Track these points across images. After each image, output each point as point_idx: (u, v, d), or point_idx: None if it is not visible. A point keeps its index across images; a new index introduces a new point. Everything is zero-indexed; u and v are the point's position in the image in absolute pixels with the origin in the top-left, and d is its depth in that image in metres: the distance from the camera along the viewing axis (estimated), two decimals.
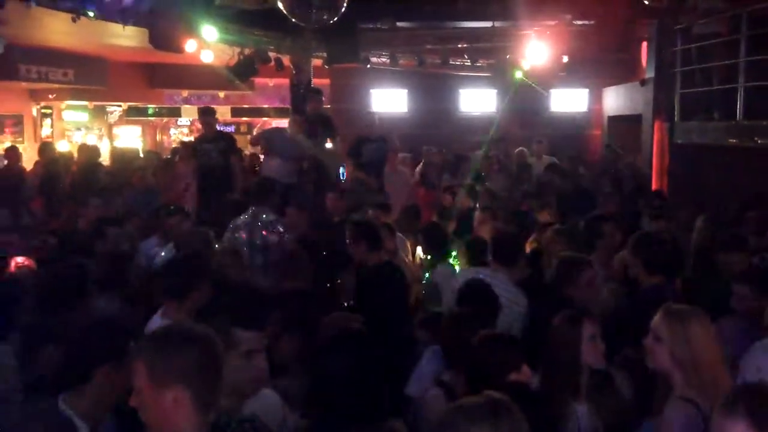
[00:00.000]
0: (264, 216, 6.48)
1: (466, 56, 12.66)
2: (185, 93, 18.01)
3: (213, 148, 9.12)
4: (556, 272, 4.65)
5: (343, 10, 6.05)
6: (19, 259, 5.42)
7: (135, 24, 8.50)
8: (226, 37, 9.57)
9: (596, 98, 14.56)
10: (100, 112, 16.72)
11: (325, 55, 10.73)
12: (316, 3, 5.83)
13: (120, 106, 17.09)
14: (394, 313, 4.92)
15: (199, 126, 18.68)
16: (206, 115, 9.56)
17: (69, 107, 15.53)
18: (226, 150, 9.15)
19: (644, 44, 12.05)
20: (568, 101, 14.71)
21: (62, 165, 10.84)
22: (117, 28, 8.72)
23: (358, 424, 2.55)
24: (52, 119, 15.06)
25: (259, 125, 18.22)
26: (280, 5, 6.05)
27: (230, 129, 18.61)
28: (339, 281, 4.82)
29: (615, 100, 13.88)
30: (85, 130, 16.44)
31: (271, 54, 10.52)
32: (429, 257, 6.33)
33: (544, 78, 12.88)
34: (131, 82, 16.01)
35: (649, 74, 11.42)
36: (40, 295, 4.16)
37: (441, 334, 3.90)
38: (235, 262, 5.17)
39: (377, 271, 5.27)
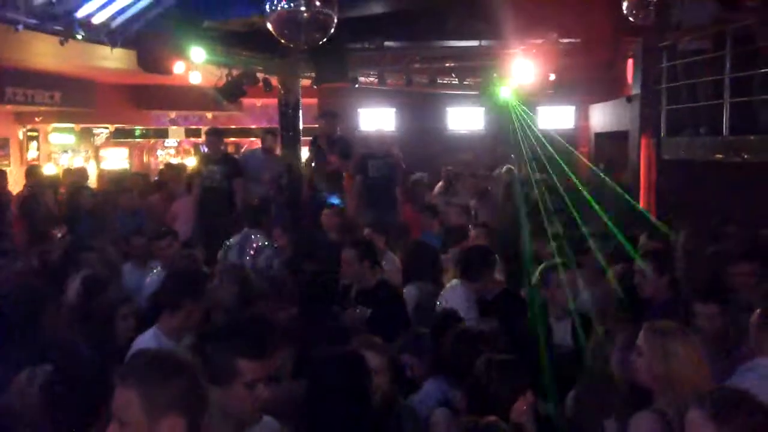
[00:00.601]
0: (254, 237, 6.49)
1: (453, 75, 12.72)
2: (173, 114, 17.98)
3: (218, 170, 9.12)
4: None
5: (332, 30, 6.05)
6: None
7: (123, 46, 8.49)
8: (214, 58, 9.56)
9: (583, 115, 14.67)
10: (86, 135, 16.64)
11: (313, 75, 10.74)
12: (305, 24, 5.84)
13: (107, 128, 17.02)
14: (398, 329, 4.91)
15: (186, 147, 18.89)
16: (213, 135, 9.61)
17: (55, 129, 15.45)
18: (230, 173, 9.15)
19: (630, 61, 12.15)
20: (555, 118, 14.80)
21: (48, 188, 10.80)
22: (105, 50, 8.70)
23: None
24: (38, 142, 14.97)
25: (246, 146, 18.19)
26: (269, 26, 6.05)
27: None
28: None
29: (602, 117, 13.97)
30: (72, 153, 16.33)
31: (259, 75, 10.52)
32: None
33: (531, 96, 12.95)
34: (118, 104, 15.97)
35: (635, 91, 11.50)
36: None
37: (445, 354, 3.89)
38: (235, 282, 5.18)
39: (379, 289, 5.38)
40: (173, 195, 9.96)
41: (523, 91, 12.19)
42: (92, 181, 13.04)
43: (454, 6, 9.81)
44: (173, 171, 11.76)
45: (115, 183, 11.40)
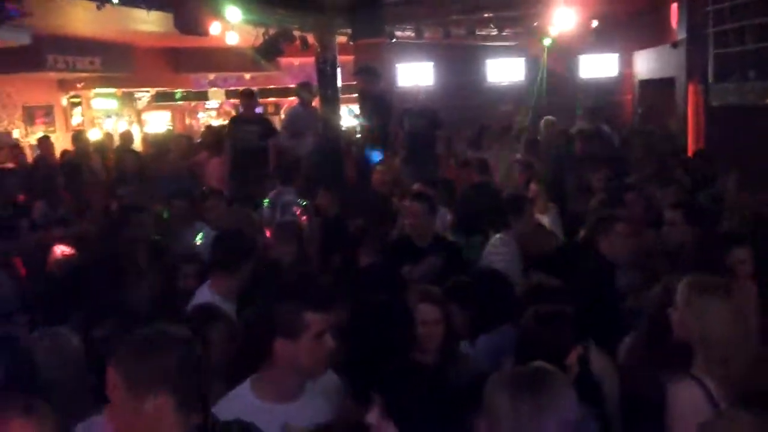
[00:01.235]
0: (284, 197, 6.56)
1: (492, 26, 12.48)
2: (211, 76, 18.02)
3: (252, 131, 9.17)
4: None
5: None
6: (61, 248, 5.46)
7: (159, 9, 8.50)
8: (249, 18, 9.51)
9: (627, 62, 14.31)
10: (128, 99, 16.82)
11: (349, 31, 10.64)
12: None
13: (148, 91, 17.16)
14: None
15: (227, 109, 18.97)
16: (248, 97, 9.68)
17: (98, 95, 15.64)
18: (264, 133, 9.21)
19: (674, 5, 11.77)
20: (598, 67, 14.48)
21: (94, 153, 10.97)
22: (141, 13, 8.73)
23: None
24: (81, 108, 15.18)
25: (286, 105, 18.20)
26: None
27: (258, 110, 18.62)
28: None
29: (646, 64, 13.63)
30: (115, 117, 16.56)
31: (296, 33, 10.45)
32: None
33: (572, 44, 12.67)
34: (157, 68, 16.05)
35: (681, 36, 11.18)
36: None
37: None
38: (286, 238, 5.25)
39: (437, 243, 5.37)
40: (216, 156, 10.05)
41: (564, 40, 11.95)
42: (137, 145, 13.22)
43: None
44: (214, 132, 11.83)
45: (158, 146, 11.55)
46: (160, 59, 15.94)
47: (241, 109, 10.43)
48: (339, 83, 10.51)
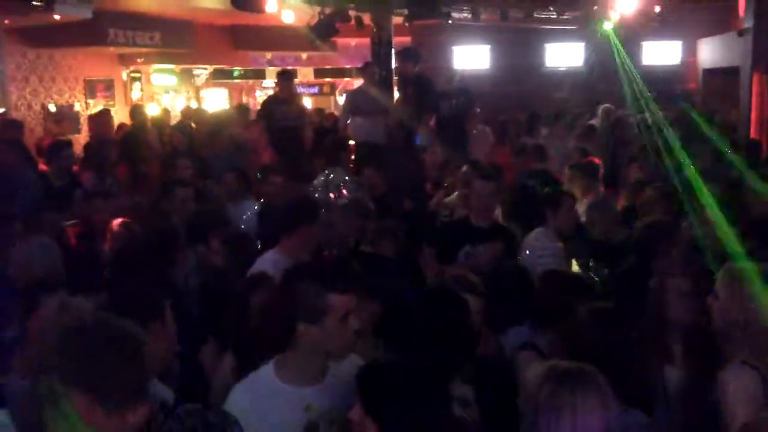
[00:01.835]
0: (333, 177, 6.56)
1: (551, 8, 12.25)
2: (269, 55, 18.13)
3: (288, 110, 9.28)
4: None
5: None
6: (117, 222, 5.56)
7: None
8: None
9: (690, 50, 13.92)
10: (187, 76, 17.04)
11: (405, 12, 10.57)
12: None
13: (206, 68, 17.36)
14: None
15: None
16: (286, 79, 9.80)
17: (157, 71, 15.88)
18: (300, 112, 9.32)
19: None
20: (661, 54, 14.11)
21: (152, 127, 11.16)
22: None
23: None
24: (141, 83, 15.45)
25: (341, 86, 18.22)
26: None
27: (313, 90, 18.70)
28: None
29: (711, 52, 13.24)
30: (174, 94, 16.81)
31: (351, 13, 10.44)
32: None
33: (634, 30, 12.37)
34: (216, 45, 16.21)
35: (748, 24, 10.81)
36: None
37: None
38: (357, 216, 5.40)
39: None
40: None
41: (626, 25, 11.67)
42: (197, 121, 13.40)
43: None
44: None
45: (213, 123, 11.70)
46: (219, 36, 16.10)
47: (277, 89, 10.51)
48: (393, 64, 10.48)
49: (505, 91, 12.32)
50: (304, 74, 17.88)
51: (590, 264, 5.12)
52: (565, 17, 12.47)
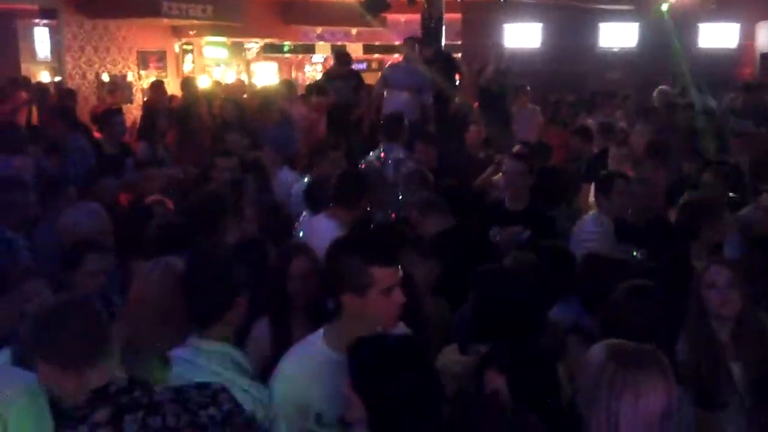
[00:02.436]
0: (393, 153, 6.55)
1: None
2: (319, 30, 18.17)
3: (345, 85, 9.27)
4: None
5: None
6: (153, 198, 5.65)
7: None
8: None
9: (748, 33, 13.53)
10: (238, 49, 17.19)
11: None
12: None
13: (257, 42, 17.48)
14: None
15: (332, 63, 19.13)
16: (343, 58, 9.90)
17: (209, 43, 16.06)
18: (356, 87, 9.32)
19: None
20: (717, 37, 13.75)
21: (203, 99, 11.30)
22: None
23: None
24: (193, 55, 15.64)
25: (390, 62, 18.19)
26: None
27: (362, 66, 18.67)
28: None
29: None
30: (224, 67, 16.98)
31: None
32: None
33: (691, 11, 12.08)
34: (267, 18, 16.30)
35: None
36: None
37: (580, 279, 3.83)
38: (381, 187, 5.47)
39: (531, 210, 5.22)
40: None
41: (682, 6, 11.41)
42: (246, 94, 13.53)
43: None
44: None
45: (263, 96, 11.80)
46: (270, 10, 16.19)
47: (334, 66, 10.51)
48: (443, 41, 10.41)
49: (556, 71, 12.15)
50: (353, 50, 17.82)
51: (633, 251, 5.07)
52: None
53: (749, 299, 3.17)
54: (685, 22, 12.53)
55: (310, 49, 19.00)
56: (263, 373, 2.80)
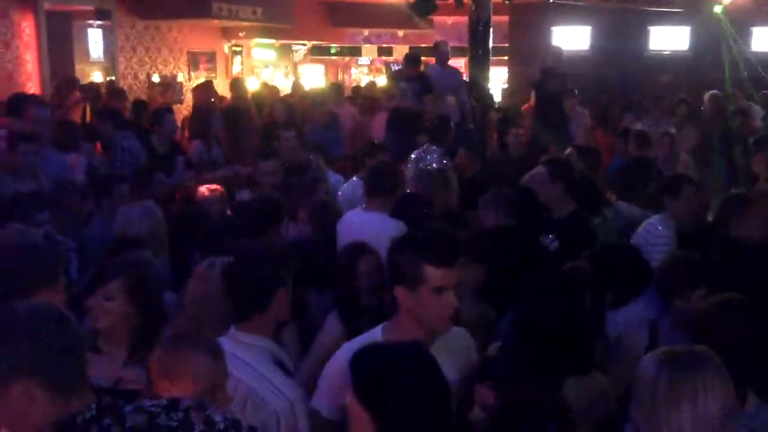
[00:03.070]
0: (431, 155, 6.57)
1: None
2: (366, 32, 18.26)
3: (409, 88, 9.29)
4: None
5: None
6: (207, 187, 5.74)
7: None
8: None
9: None
10: (286, 51, 17.36)
11: None
12: None
13: (304, 44, 17.63)
14: None
15: (378, 66, 19.19)
16: (412, 62, 9.83)
17: (257, 45, 16.25)
18: (421, 91, 9.28)
19: None
20: None
21: (251, 100, 11.45)
22: None
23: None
24: (242, 57, 15.84)
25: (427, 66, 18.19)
26: None
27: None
28: None
29: None
30: (272, 68, 17.16)
31: None
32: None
33: (744, 14, 11.84)
34: (315, 21, 16.43)
35: None
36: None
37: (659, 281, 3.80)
38: (443, 188, 5.48)
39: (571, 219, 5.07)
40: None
41: (736, 8, 11.19)
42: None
43: None
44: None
45: (312, 96, 11.92)
46: (318, 12, 16.31)
47: (403, 68, 10.48)
48: (490, 44, 10.36)
49: (605, 74, 12.00)
50: (399, 51, 17.90)
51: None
52: None
53: None
54: (738, 26, 12.28)
55: (356, 52, 19.12)
56: None
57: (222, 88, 13.39)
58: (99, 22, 12.42)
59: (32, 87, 10.62)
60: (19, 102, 6.97)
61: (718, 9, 11.20)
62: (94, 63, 12.88)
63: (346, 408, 2.11)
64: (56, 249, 2.74)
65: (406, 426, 2.01)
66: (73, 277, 4.36)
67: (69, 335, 1.88)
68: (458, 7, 10.77)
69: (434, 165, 6.32)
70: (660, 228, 5.09)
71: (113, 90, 10.71)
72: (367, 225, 4.56)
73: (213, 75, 14.48)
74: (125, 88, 11.61)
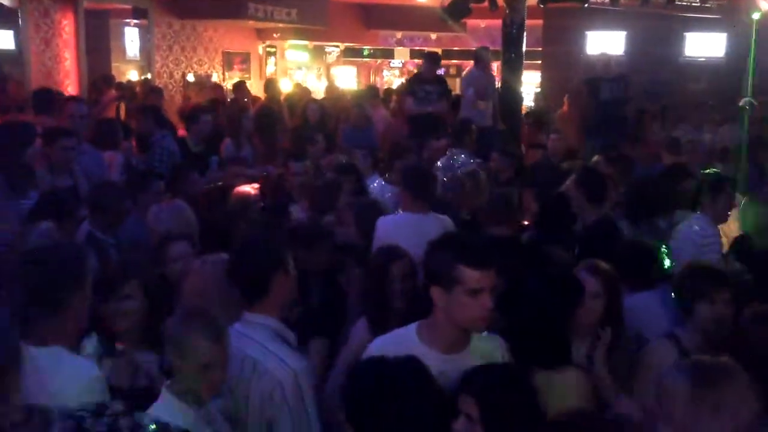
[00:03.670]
0: (457, 158, 6.59)
1: None
2: (399, 34, 18.31)
3: (431, 90, 9.33)
4: None
5: None
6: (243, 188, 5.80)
7: None
8: None
9: None
10: (319, 53, 17.46)
11: None
12: None
13: (337, 46, 17.71)
14: None
15: (410, 69, 19.22)
16: (432, 61, 9.98)
17: (291, 47, 16.37)
18: (442, 93, 9.34)
19: None
20: None
21: (284, 101, 11.52)
22: None
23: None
24: (276, 58, 15.97)
25: (468, 68, 18.15)
26: None
27: (440, 71, 18.70)
28: None
29: None
30: (305, 70, 17.27)
31: None
32: None
33: None
34: (349, 23, 16.51)
35: None
36: None
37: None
38: (475, 188, 5.54)
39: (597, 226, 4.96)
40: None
41: None
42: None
43: None
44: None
45: (347, 97, 11.98)
46: (352, 14, 16.38)
47: (422, 70, 10.55)
48: (524, 48, 10.34)
49: (639, 80, 11.87)
50: None
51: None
52: (707, 5, 11.90)
53: None
54: None
55: (389, 54, 19.17)
56: None
57: (255, 88, 13.51)
58: (136, 21, 12.60)
59: (70, 84, 10.81)
60: (47, 99, 7.06)
61: (756, 16, 11.03)
62: (130, 61, 13.07)
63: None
64: (80, 254, 2.77)
65: None
66: None
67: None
68: (492, 10, 10.76)
69: (465, 167, 6.35)
70: (707, 229, 4.99)
71: (151, 88, 10.87)
72: (414, 226, 4.58)
73: (247, 75, 14.63)
74: (160, 86, 11.76)
